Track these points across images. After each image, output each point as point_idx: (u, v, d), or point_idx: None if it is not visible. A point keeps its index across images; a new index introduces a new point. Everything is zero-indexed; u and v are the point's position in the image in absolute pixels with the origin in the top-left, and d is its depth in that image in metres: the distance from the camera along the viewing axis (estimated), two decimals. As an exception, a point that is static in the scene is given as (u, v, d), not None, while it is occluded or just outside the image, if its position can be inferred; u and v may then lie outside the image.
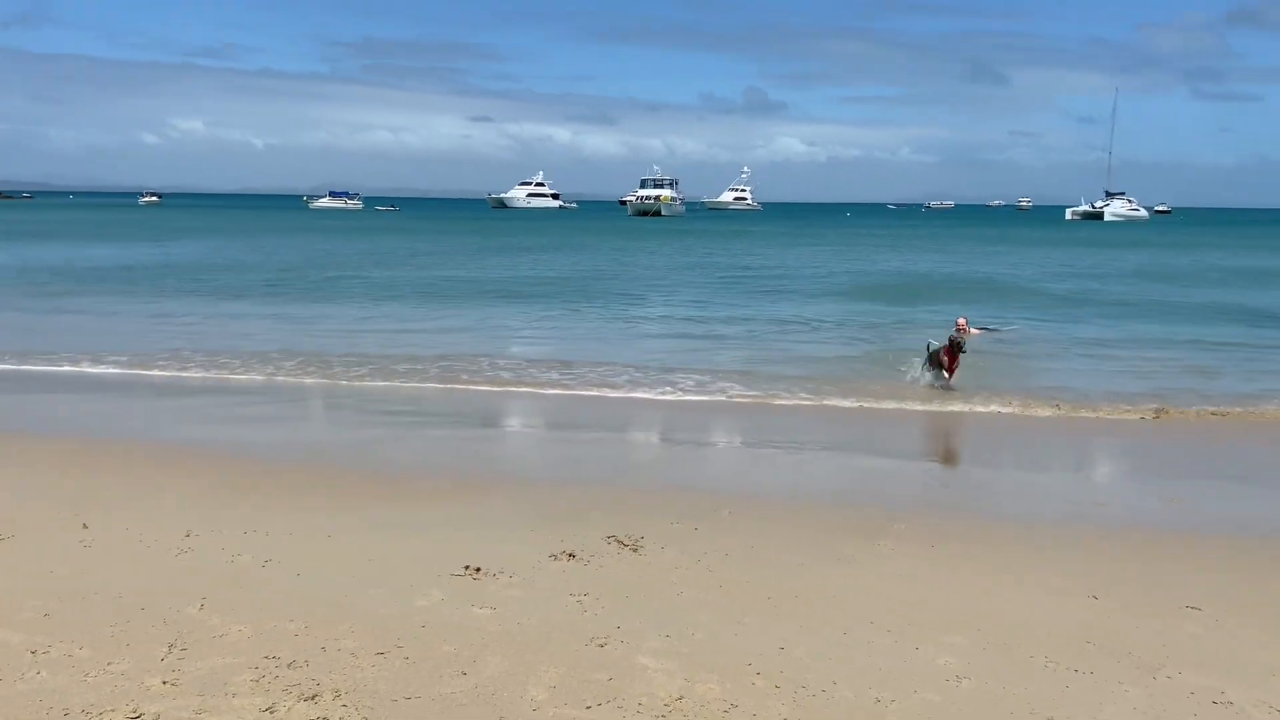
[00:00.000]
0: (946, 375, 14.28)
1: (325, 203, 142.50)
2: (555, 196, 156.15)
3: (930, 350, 14.80)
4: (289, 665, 4.73)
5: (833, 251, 52.81)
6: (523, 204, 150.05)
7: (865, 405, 12.96)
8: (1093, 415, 12.37)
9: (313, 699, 4.40)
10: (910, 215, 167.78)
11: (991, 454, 10.70)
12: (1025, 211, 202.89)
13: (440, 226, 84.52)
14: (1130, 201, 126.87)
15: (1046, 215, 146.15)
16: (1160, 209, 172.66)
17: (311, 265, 37.27)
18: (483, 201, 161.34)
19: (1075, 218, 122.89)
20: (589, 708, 4.34)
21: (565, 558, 6.50)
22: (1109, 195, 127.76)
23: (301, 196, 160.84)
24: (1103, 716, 4.42)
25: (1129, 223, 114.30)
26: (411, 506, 7.78)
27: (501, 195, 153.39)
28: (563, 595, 5.80)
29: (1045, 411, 12.60)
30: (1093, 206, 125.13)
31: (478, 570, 6.14)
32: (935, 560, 6.68)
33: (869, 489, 8.94)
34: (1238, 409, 12.65)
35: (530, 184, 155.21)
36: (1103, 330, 21.20)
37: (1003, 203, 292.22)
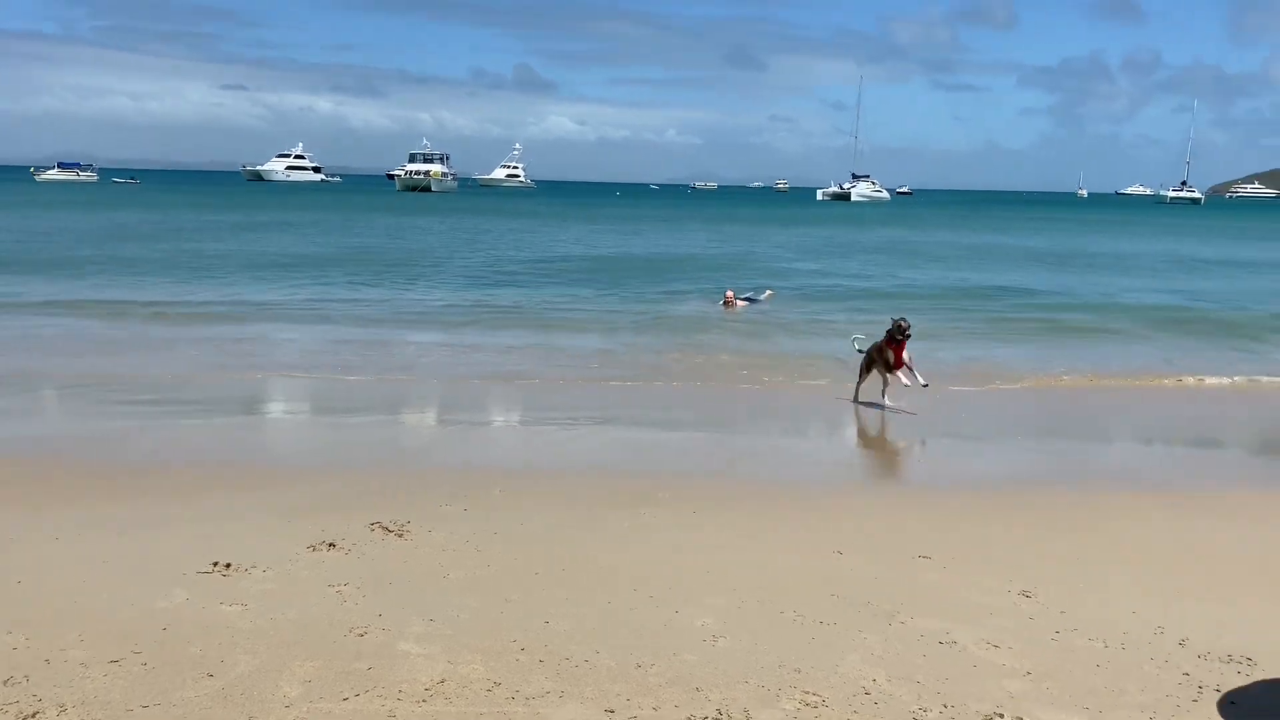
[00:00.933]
0: (901, 376, 11.31)
1: (54, 174, 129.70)
2: (317, 169, 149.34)
3: (866, 352, 11.83)
4: (5, 683, 4.29)
5: (609, 229, 53.57)
6: (281, 177, 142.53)
7: (634, 381, 13.22)
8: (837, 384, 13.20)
9: (33, 717, 4.01)
10: (677, 195, 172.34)
11: (751, 423, 11.18)
12: (783, 192, 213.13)
13: (191, 200, 78.95)
14: (874, 183, 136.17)
15: (802, 196, 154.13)
16: (902, 191, 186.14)
17: (36, 241, 33.84)
18: (236, 174, 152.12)
19: (825, 198, 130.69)
20: (346, 699, 4.20)
21: (325, 548, 6.25)
22: (855, 178, 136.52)
23: (29, 168, 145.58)
24: (844, 663, 4.72)
25: (873, 203, 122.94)
26: (154, 502, 7.24)
27: (258, 167, 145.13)
28: (321, 587, 5.57)
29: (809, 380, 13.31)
30: (840, 188, 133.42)
31: (228, 566, 5.80)
32: (697, 526, 6.92)
33: (637, 460, 9.14)
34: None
35: (289, 156, 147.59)
36: (846, 301, 22.69)
37: (762, 184, 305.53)
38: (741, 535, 6.74)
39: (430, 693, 4.28)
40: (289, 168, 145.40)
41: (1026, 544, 6.67)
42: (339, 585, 5.58)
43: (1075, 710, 4.32)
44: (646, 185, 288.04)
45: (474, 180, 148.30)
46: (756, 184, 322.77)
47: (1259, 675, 4.70)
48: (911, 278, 29.55)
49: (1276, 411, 12.76)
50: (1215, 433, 11.37)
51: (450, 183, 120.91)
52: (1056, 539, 6.81)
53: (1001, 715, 4.25)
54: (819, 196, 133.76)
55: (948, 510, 7.49)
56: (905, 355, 11.24)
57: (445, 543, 6.41)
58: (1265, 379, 14.16)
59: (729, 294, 21.71)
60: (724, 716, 4.13)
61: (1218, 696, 4.48)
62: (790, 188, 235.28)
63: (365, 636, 4.87)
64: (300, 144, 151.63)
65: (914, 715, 4.24)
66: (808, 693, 4.40)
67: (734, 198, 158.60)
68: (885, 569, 6.08)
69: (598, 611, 5.28)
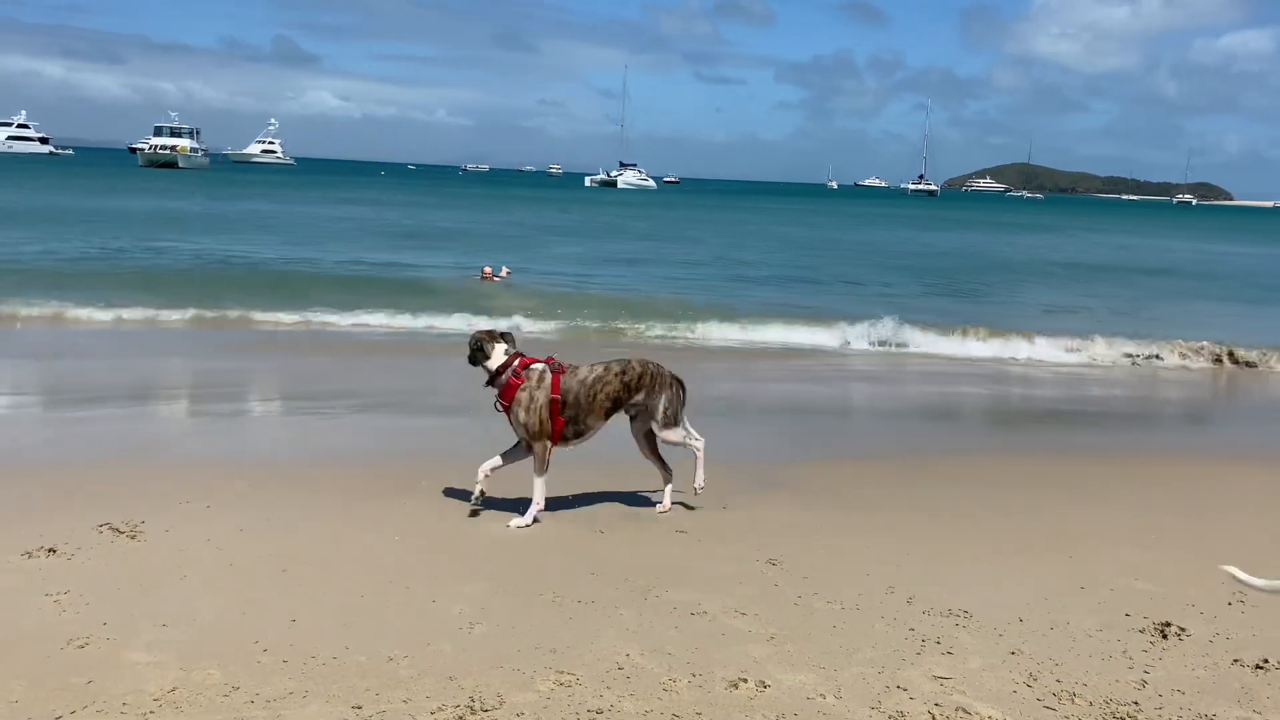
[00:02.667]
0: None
1: None
2: (44, 140, 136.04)
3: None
4: None
5: (369, 207, 51.83)
6: (2, 148, 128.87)
7: (403, 359, 12.86)
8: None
9: None
10: (447, 177, 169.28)
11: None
12: (556, 177, 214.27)
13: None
14: (640, 172, 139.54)
15: (573, 181, 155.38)
16: (669, 179, 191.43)
17: None
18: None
19: (594, 184, 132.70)
20: (59, 717, 3.83)
21: (44, 554, 5.68)
22: (622, 165, 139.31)
23: None
24: (599, 639, 4.79)
25: (639, 190, 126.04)
26: None
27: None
28: (37, 597, 5.06)
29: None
30: (608, 175, 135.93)
31: (-80, 580, 5.16)
32: (458, 512, 6.81)
33: (398, 449, 8.88)
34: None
35: (10, 124, 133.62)
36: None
37: (534, 168, 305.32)
38: (500, 519, 6.69)
39: (159, 703, 3.98)
40: (10, 138, 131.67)
41: (773, 516, 7.00)
42: (57, 594, 5.09)
43: (813, 669, 4.58)
44: (404, 165, 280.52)
45: (226, 156, 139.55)
46: (529, 167, 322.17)
47: (974, 626, 5.16)
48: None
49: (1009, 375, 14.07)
50: (942, 403, 12.40)
51: (200, 158, 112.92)
52: (801, 510, 7.19)
53: (745, 679, 4.44)
54: (587, 183, 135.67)
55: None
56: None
57: (183, 543, 5.98)
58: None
59: (486, 269, 23.15)
60: (476, 703, 4.09)
61: (939, 648, 4.87)
62: (564, 173, 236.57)
63: (86, 648, 4.46)
64: (23, 112, 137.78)
65: (664, 685, 4.35)
66: (562, 672, 4.42)
67: (506, 180, 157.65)
68: (641, 546, 6.22)
69: (348, 607, 5.09)
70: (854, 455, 9.29)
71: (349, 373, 12.44)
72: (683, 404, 7.05)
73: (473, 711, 4.02)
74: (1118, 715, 4.24)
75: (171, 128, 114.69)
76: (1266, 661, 4.81)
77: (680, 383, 7.07)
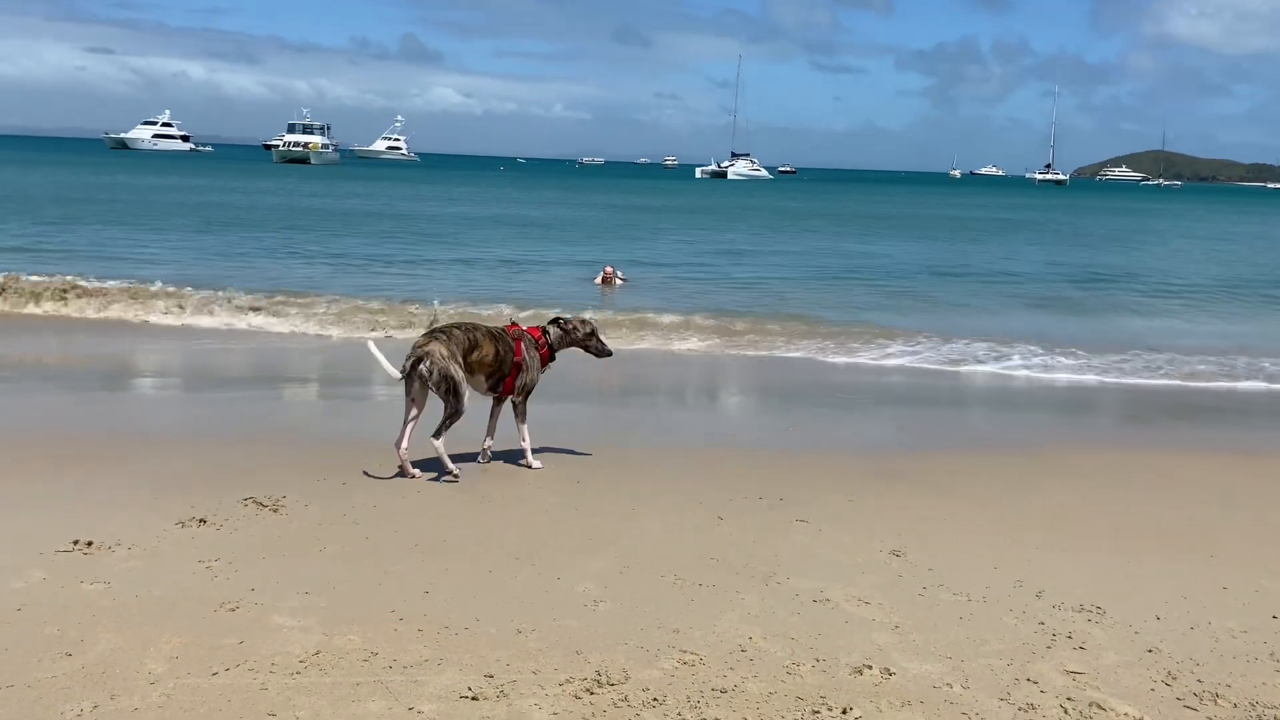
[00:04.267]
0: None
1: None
2: (186, 138, 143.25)
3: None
4: None
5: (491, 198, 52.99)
6: (148, 145, 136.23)
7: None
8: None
9: (-128, 705, 3.78)
10: (565, 171, 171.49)
11: (635, 386, 11.24)
12: (671, 169, 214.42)
13: (50, 158, 74.62)
14: (753, 162, 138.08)
15: (687, 173, 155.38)
16: (784, 169, 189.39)
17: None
18: (99, 141, 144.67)
19: (705, 176, 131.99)
20: (215, 674, 4.08)
21: (195, 524, 6.04)
22: (734, 156, 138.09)
23: None
24: (720, 622, 4.83)
25: (751, 181, 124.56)
26: (8, 481, 6.86)
27: (123, 135, 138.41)
28: (190, 563, 5.39)
29: (688, 345, 13.49)
30: (719, 166, 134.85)
31: (89, 544, 5.55)
32: (581, 494, 6.95)
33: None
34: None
35: (155, 124, 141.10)
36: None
37: (649, 160, 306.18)
38: (622, 500, 6.79)
39: (304, 664, 4.20)
40: (155, 135, 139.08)
41: (896, 507, 6.91)
42: (209, 561, 5.41)
43: (939, 659, 4.52)
44: (519, 159, 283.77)
45: (352, 152, 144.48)
46: (644, 159, 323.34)
47: (1107, 622, 5.00)
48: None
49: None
50: (1054, 400, 11.98)
51: (331, 154, 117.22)
52: (923, 502, 7.08)
53: (870, 666, 4.41)
54: (697, 174, 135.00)
55: (820, 475, 7.67)
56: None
57: (321, 517, 6.27)
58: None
59: (608, 270, 20.81)
60: (603, 677, 4.18)
61: (1070, 643, 4.75)
62: (679, 164, 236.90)
63: (237, 611, 4.74)
64: (167, 111, 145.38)
65: (787, 669, 4.36)
66: (685, 652, 4.48)
67: (620, 173, 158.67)
68: (763, 533, 6.22)
69: (477, 582, 5.25)
70: (976, 447, 9.07)
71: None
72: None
73: (600, 685, 4.11)
74: (1264, 719, 4.06)
75: (304, 125, 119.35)
76: None
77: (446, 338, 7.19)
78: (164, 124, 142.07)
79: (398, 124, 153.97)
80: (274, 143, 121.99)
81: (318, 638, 4.46)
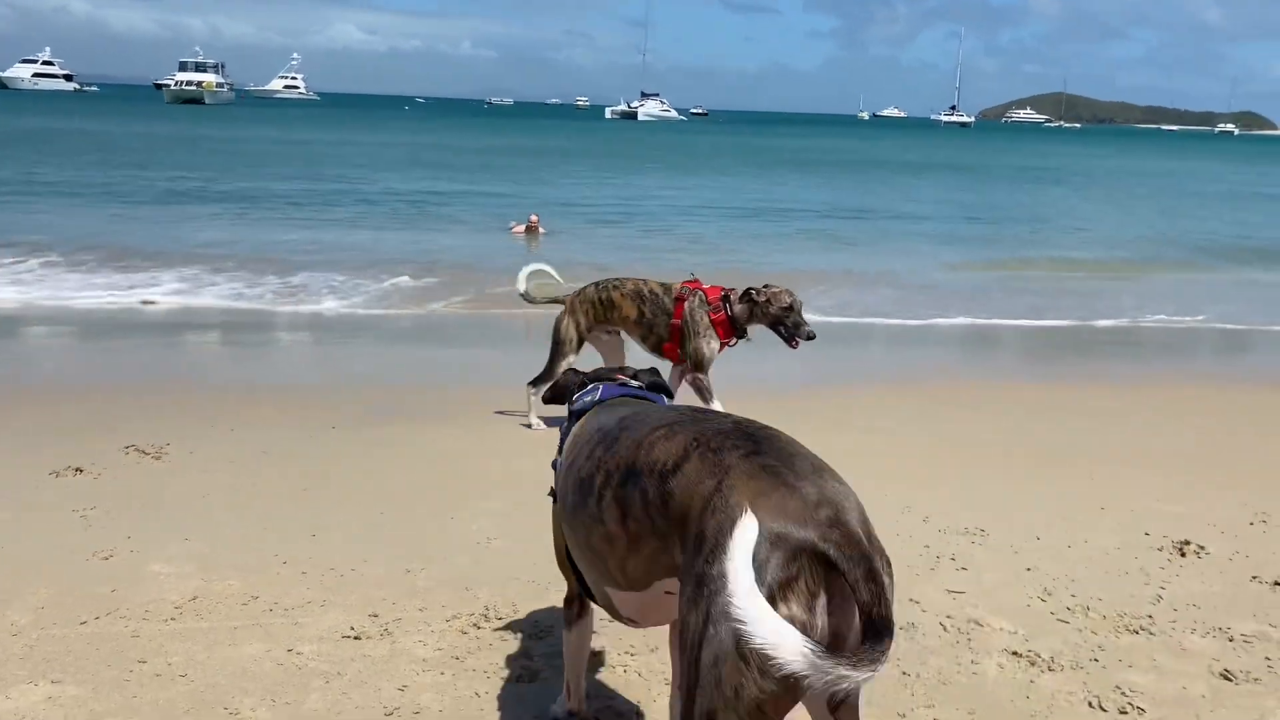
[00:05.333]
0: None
1: None
2: (69, 78, 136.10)
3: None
4: None
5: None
6: (28, 85, 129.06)
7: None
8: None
9: None
10: (475, 110, 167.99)
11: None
12: (582, 110, 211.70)
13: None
14: (663, 102, 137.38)
15: (598, 114, 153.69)
16: (696, 111, 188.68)
17: None
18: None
19: (614, 117, 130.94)
20: (84, 623, 3.92)
21: (71, 473, 5.79)
22: (644, 96, 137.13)
23: None
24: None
25: (661, 122, 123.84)
26: None
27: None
28: (64, 512, 5.17)
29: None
30: (628, 106, 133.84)
31: (-46, 497, 5.28)
32: (482, 434, 6.87)
33: (418, 375, 8.93)
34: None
35: (35, 61, 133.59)
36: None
37: (560, 101, 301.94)
38: (526, 441, 6.73)
39: (180, 610, 4.06)
40: (36, 75, 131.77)
41: (809, 441, 6.96)
42: (84, 510, 5.20)
43: (826, 584, 4.59)
44: (424, 99, 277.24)
45: (248, 92, 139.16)
46: (554, 100, 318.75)
47: (990, 544, 5.15)
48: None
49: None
50: (953, 338, 12.28)
51: (226, 94, 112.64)
52: (832, 437, 7.17)
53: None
54: (607, 115, 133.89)
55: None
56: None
57: (206, 464, 6.07)
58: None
59: (533, 218, 19.15)
60: (491, 612, 4.14)
61: (954, 564, 4.88)
62: (590, 105, 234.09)
63: (110, 560, 4.56)
64: (48, 48, 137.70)
65: (677, 599, 4.38)
66: (577, 585, 4.46)
67: (531, 113, 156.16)
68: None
69: (367, 523, 5.16)
70: (872, 380, 9.24)
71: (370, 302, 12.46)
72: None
73: (487, 619, 4.08)
74: (1131, 628, 4.23)
75: (197, 63, 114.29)
76: (1286, 578, 4.78)
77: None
78: (44, 62, 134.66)
79: (294, 62, 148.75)
80: (165, 82, 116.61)
81: (196, 583, 4.33)
